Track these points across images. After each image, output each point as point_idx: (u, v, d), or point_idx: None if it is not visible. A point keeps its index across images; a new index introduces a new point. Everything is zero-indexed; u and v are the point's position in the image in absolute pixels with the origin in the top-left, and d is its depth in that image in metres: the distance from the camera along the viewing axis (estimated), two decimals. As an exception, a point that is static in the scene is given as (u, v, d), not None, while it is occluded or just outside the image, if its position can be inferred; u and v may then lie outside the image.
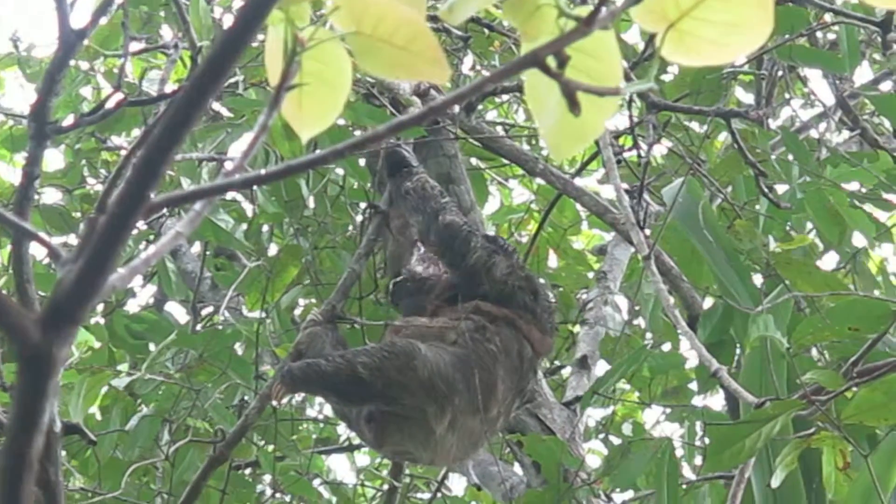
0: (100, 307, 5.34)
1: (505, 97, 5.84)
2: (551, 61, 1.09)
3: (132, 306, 5.81)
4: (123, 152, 4.89)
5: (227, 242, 4.59)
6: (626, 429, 5.80)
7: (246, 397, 4.66)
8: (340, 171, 4.67)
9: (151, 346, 4.45)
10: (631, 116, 4.42)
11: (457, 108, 4.47)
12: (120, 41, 4.79)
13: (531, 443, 4.38)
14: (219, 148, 4.13)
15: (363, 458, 6.39)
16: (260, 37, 1.22)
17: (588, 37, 1.11)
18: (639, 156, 4.42)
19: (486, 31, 5.02)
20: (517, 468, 4.80)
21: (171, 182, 4.18)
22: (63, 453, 3.96)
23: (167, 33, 5.13)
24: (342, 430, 5.82)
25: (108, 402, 4.64)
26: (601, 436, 5.88)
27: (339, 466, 8.85)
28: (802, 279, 3.85)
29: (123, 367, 4.48)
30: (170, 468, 4.60)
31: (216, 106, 4.64)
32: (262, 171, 1.13)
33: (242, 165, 1.13)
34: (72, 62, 3.98)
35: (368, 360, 3.62)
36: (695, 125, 4.99)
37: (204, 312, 5.66)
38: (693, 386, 5.39)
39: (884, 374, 2.85)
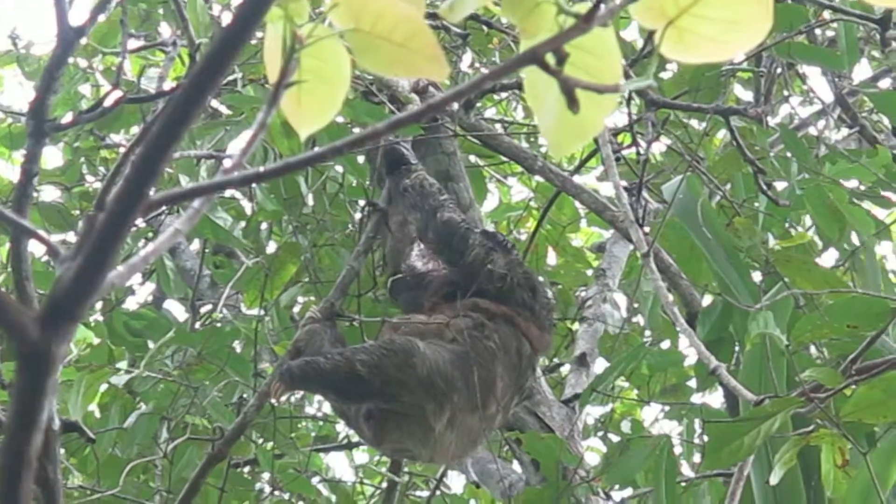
0: (99, 304, 5.33)
1: (504, 94, 5.85)
2: (550, 58, 1.09)
3: (131, 304, 5.82)
4: (122, 150, 4.90)
5: (226, 240, 4.58)
6: (625, 426, 5.79)
7: (244, 395, 4.66)
8: (339, 169, 4.67)
9: (150, 344, 4.45)
10: (630, 114, 4.43)
11: (455, 106, 4.47)
12: (118, 38, 4.79)
13: (530, 440, 4.38)
14: (217, 145, 4.12)
15: (362, 455, 6.39)
16: (258, 34, 1.22)
17: (587, 34, 1.11)
18: (638, 153, 4.42)
19: (485, 28, 5.01)
20: (516, 466, 4.80)
21: (170, 180, 4.17)
22: (62, 451, 3.96)
23: (165, 31, 5.13)
24: (341, 427, 5.82)
25: (106, 400, 4.64)
26: (600, 433, 5.88)
27: (338, 464, 8.85)
28: (802, 276, 3.85)
29: (122, 364, 4.48)
30: (168, 466, 4.60)
31: (215, 103, 4.64)
32: (261, 169, 1.12)
33: (241, 163, 1.13)
34: (70, 60, 3.98)
35: (367, 358, 3.61)
36: (694, 122, 4.99)
37: (203, 310, 5.66)
38: (692, 383, 5.38)
39: (883, 371, 2.85)
